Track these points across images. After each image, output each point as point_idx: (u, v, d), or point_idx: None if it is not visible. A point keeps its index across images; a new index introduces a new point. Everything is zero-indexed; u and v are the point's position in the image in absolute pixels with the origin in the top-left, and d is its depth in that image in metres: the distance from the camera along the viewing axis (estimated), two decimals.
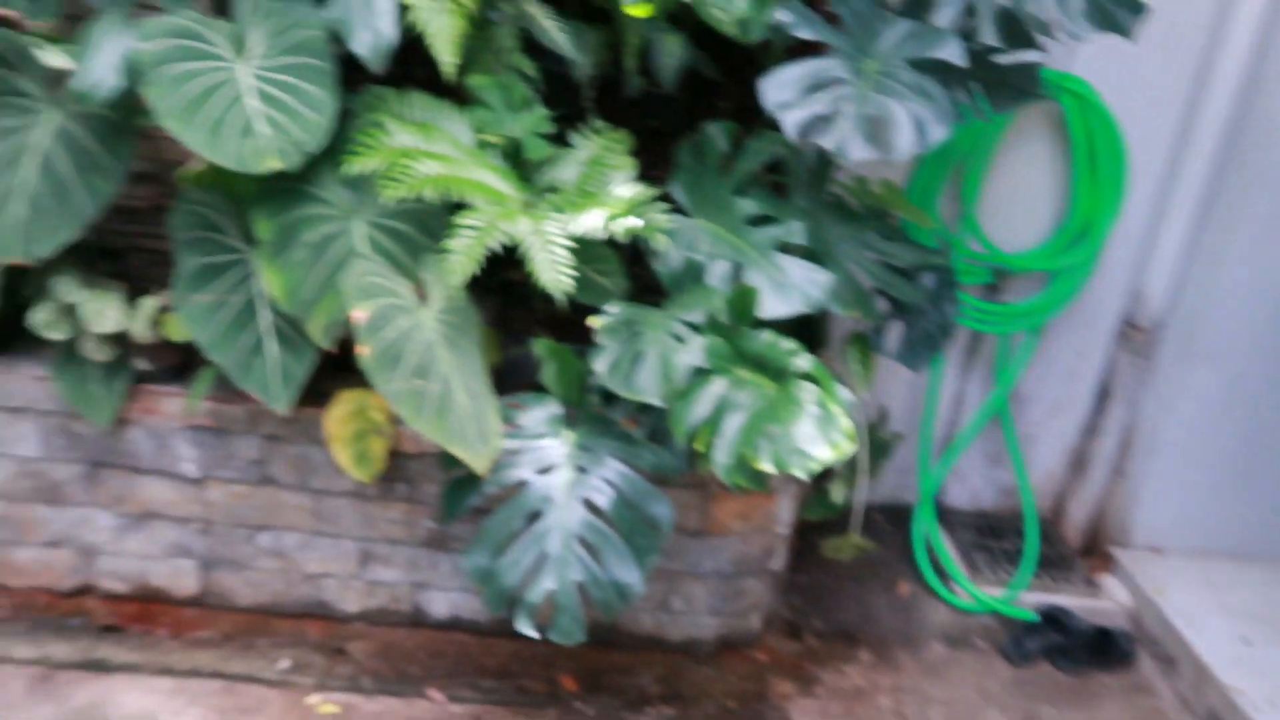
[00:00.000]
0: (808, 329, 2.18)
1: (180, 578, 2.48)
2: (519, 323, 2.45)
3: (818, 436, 1.77)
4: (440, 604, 2.53)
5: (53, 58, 1.87)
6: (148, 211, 2.50)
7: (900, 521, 3.10)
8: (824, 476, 2.46)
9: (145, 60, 1.79)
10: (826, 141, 1.80)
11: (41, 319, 2.13)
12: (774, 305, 1.96)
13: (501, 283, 2.39)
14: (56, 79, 2.03)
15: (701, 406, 1.90)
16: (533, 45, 2.14)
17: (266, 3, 1.92)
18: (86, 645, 2.39)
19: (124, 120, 2.00)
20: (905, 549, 3.01)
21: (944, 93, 1.88)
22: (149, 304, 2.14)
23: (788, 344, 1.90)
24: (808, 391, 1.83)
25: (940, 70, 1.92)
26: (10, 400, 2.28)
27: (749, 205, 2.06)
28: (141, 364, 2.25)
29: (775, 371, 1.90)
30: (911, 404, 3.00)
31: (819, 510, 2.47)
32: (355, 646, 2.50)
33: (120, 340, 2.19)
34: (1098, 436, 3.07)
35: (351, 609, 2.52)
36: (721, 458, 1.87)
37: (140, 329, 2.12)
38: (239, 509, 2.40)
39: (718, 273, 2.03)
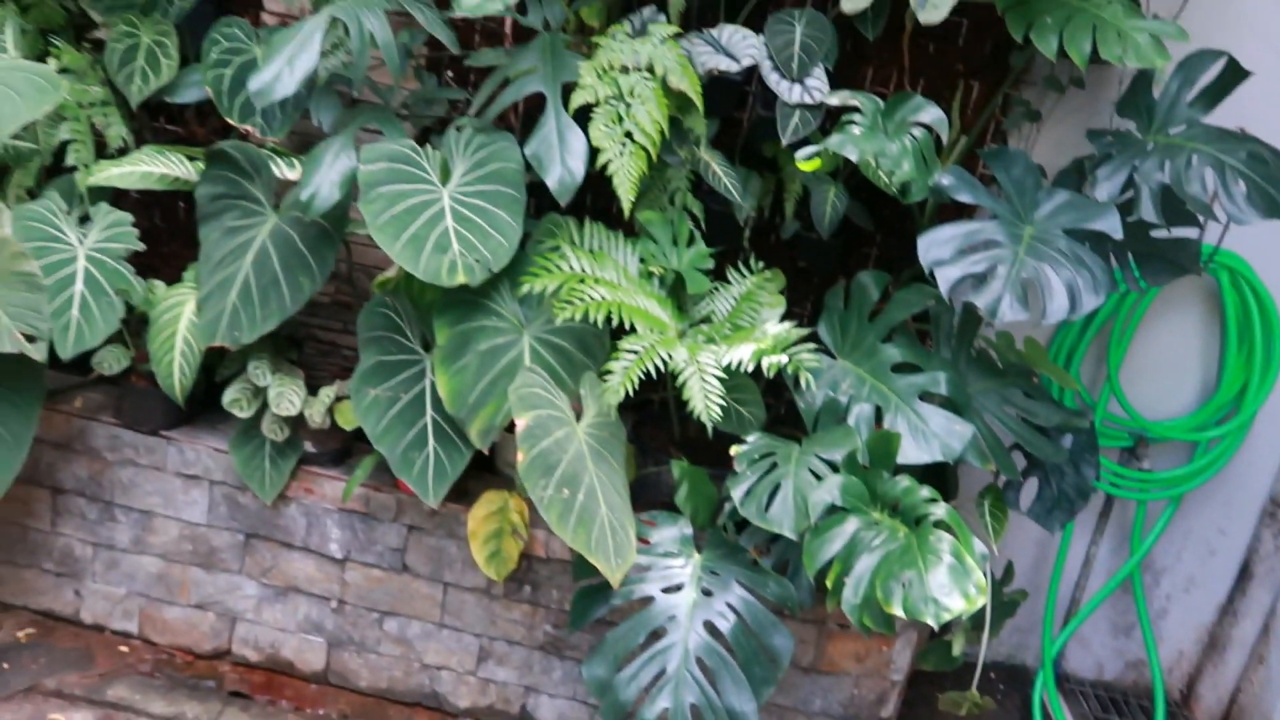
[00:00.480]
0: (941, 477, 2.21)
1: (309, 653, 2.60)
2: (655, 441, 2.55)
3: (951, 586, 1.78)
4: (548, 710, 2.57)
5: (285, 170, 2.13)
6: (329, 306, 2.75)
7: (1016, 682, 3.00)
8: (944, 627, 2.43)
9: (364, 179, 2.02)
10: (978, 301, 1.87)
11: (230, 397, 2.35)
12: (913, 452, 2.01)
13: (641, 402, 2.51)
14: (278, 185, 2.30)
15: (834, 544, 1.93)
16: (700, 185, 2.31)
17: (473, 135, 2.14)
18: (216, 708, 2.51)
19: (333, 228, 2.23)
20: (1021, 712, 2.90)
21: (1099, 262, 1.94)
22: (326, 392, 2.33)
23: (925, 491, 1.94)
24: (943, 540, 1.85)
25: (1096, 240, 1.98)
26: (189, 468, 2.49)
27: (894, 352, 2.13)
28: (309, 446, 2.44)
29: (911, 517, 1.93)
30: (1038, 563, 2.94)
31: (936, 661, 2.43)
32: None
33: (295, 422, 2.38)
34: (1236, 618, 2.93)
35: (462, 704, 2.58)
36: (850, 597, 1.89)
37: (316, 414, 2.31)
38: (373, 593, 2.52)
39: (859, 414, 2.10)
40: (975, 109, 2.47)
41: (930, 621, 1.73)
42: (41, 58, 2.36)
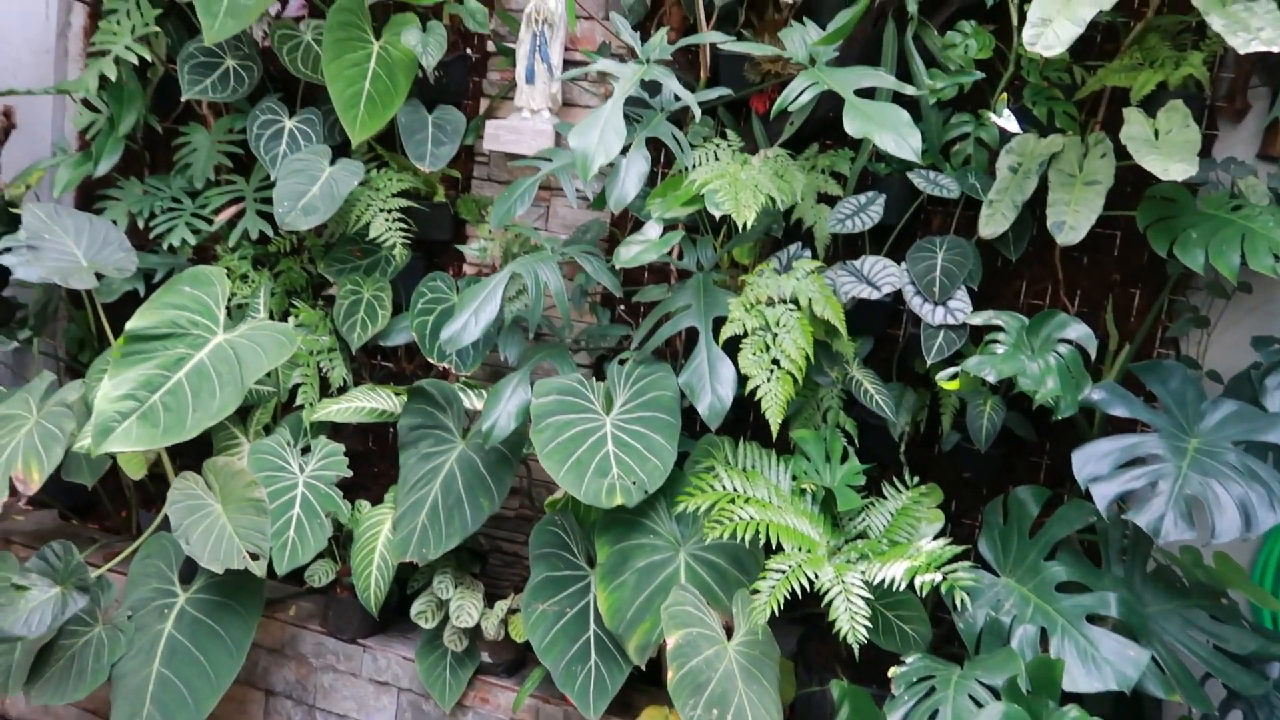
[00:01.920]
0: (1138, 711, 2.04)
1: None
2: (819, 657, 2.51)
3: None
4: None
5: (474, 401, 2.41)
6: (513, 520, 2.96)
7: None
8: None
9: (536, 411, 2.25)
10: (1139, 519, 1.81)
11: (417, 609, 2.56)
12: (1082, 679, 1.89)
13: (808, 615, 2.50)
14: (467, 416, 2.59)
15: None
16: (854, 401, 2.39)
17: (635, 367, 2.35)
18: None
19: (510, 453, 2.47)
20: None
21: (1276, 476, 1.83)
22: (501, 606, 2.50)
23: None
24: None
25: (1272, 453, 1.88)
26: (380, 674, 2.69)
27: (1059, 570, 2.05)
28: (485, 656, 2.58)
29: None
30: None
31: None
32: None
33: (473, 633, 2.55)
34: None
35: None
36: None
37: (491, 627, 2.47)
38: None
39: (1022, 636, 2.01)
40: (1138, 316, 2.44)
41: None
42: (285, 315, 2.83)
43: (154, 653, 2.53)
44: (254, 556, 2.40)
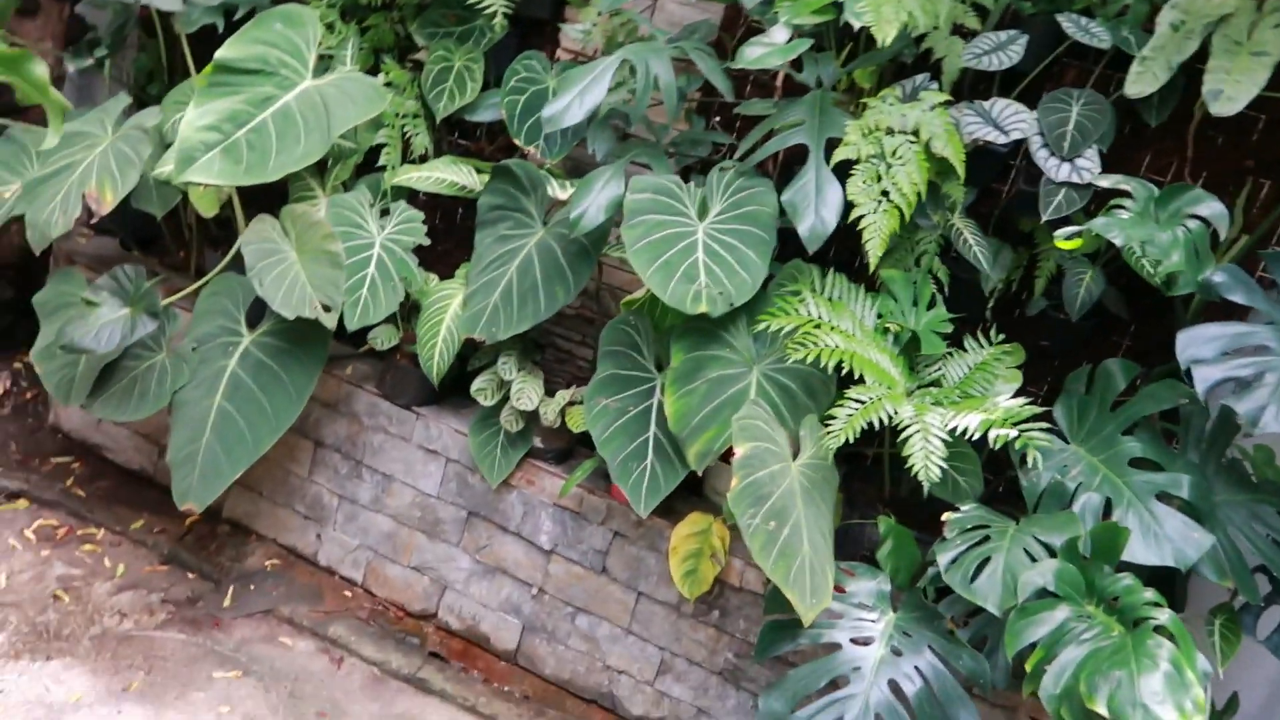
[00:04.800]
0: (1168, 585, 2.09)
1: (504, 631, 2.79)
2: (862, 496, 2.56)
3: (1165, 695, 1.69)
4: None
5: (560, 190, 2.34)
6: (572, 318, 2.95)
7: None
8: None
9: (630, 206, 2.19)
10: (1239, 407, 1.78)
11: (478, 386, 2.59)
12: (1141, 551, 1.92)
13: (853, 454, 2.53)
14: (549, 203, 2.53)
15: (1040, 628, 1.88)
16: (948, 250, 2.32)
17: (735, 178, 2.27)
18: (416, 663, 2.74)
19: (591, 247, 2.42)
20: None
21: None
22: (562, 395, 2.52)
23: (1149, 593, 1.85)
24: (1162, 646, 1.76)
25: None
26: (431, 443, 2.75)
27: (1135, 446, 2.05)
28: (537, 441, 2.63)
29: (1129, 617, 1.84)
30: (1270, 704, 2.68)
31: None
32: None
33: (529, 417, 2.58)
34: None
35: (636, 711, 2.68)
36: (1050, 685, 1.83)
37: (550, 413, 2.50)
38: (571, 588, 2.68)
39: (1086, 503, 2.03)
40: (1263, 209, 2.33)
41: None
42: (372, 72, 2.72)
43: (216, 386, 2.58)
44: (326, 308, 2.41)
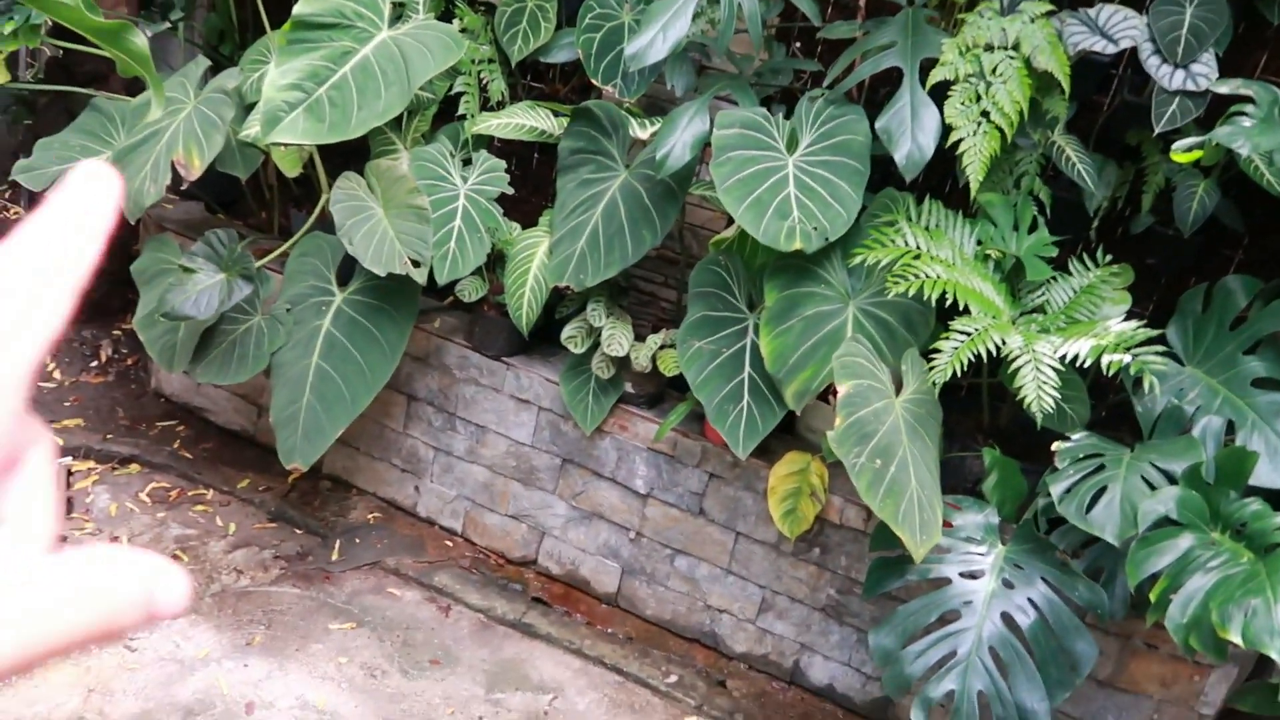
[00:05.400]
0: None
1: (604, 575, 2.83)
2: (960, 428, 2.51)
3: None
4: (820, 670, 2.63)
5: (641, 130, 2.30)
6: (654, 260, 2.92)
7: None
8: (1266, 666, 2.23)
9: (718, 143, 2.14)
10: None
11: (568, 334, 2.58)
12: (1270, 475, 1.85)
13: (949, 387, 2.48)
14: (630, 144, 2.48)
15: (1163, 557, 1.84)
16: (1048, 170, 2.23)
17: (824, 107, 2.20)
18: (520, 609, 2.80)
19: (678, 187, 2.38)
20: None
21: None
22: (653, 339, 2.50)
23: None
24: None
25: None
26: (522, 392, 2.77)
27: (1258, 366, 1.97)
28: (629, 387, 2.63)
29: (1260, 543, 1.79)
30: None
31: (1256, 703, 2.23)
32: (734, 684, 2.68)
33: (620, 363, 2.58)
34: None
35: (738, 648, 2.71)
36: (1176, 615, 1.79)
37: (642, 358, 2.49)
38: (668, 530, 2.70)
39: (1206, 426, 1.96)
40: None
41: (1275, 656, 1.61)
42: (445, 18, 2.68)
43: (312, 346, 2.62)
44: (415, 263, 2.41)
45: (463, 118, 2.63)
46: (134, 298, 2.84)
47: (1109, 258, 2.20)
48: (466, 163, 2.60)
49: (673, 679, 2.67)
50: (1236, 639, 1.66)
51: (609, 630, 2.80)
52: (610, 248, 2.42)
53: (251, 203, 3.26)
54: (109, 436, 3.09)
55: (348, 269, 2.63)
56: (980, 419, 2.49)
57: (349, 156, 2.75)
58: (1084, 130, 2.36)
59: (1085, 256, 2.23)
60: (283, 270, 2.73)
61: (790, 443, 2.51)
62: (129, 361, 3.46)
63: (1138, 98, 2.14)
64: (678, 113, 2.26)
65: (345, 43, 2.36)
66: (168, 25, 2.92)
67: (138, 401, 3.34)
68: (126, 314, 3.39)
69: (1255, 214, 2.26)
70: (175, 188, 3.21)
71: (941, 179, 2.41)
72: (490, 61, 2.68)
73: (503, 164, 2.58)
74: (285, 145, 2.62)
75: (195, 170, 2.57)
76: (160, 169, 2.58)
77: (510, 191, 2.57)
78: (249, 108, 2.56)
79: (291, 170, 2.72)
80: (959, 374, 1.99)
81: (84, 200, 0.29)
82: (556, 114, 2.59)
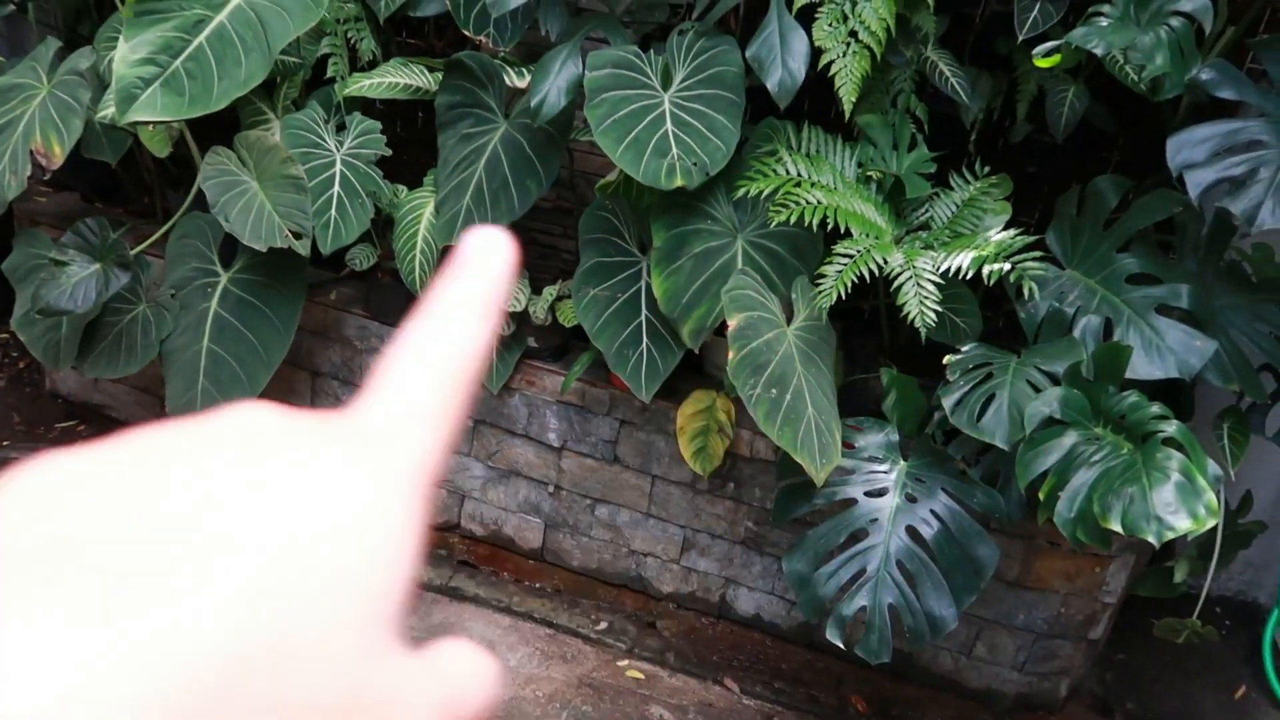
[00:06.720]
0: (1176, 396, 2.09)
1: (527, 532, 2.83)
2: (863, 350, 2.54)
3: (1178, 505, 1.70)
4: (746, 601, 2.68)
5: (518, 79, 2.25)
6: (550, 211, 2.89)
7: (1245, 619, 2.83)
8: (1165, 553, 2.32)
9: (590, 85, 2.10)
10: (1234, 206, 1.73)
11: None
12: (1144, 367, 1.91)
13: (849, 310, 2.50)
14: (508, 94, 2.43)
15: (1049, 457, 1.89)
16: (924, 86, 2.24)
17: (696, 40, 2.17)
18: (447, 574, 2.80)
19: (558, 134, 2.34)
20: (1248, 650, 2.74)
21: None
22: (549, 291, 2.48)
23: (1155, 407, 1.84)
24: (1172, 458, 1.77)
25: None
26: None
27: (1131, 262, 2.01)
28: (531, 341, 2.61)
29: (1137, 433, 1.85)
30: None
31: (1154, 587, 2.33)
32: (664, 624, 2.72)
33: (520, 318, 2.55)
34: None
35: (666, 589, 2.74)
36: (1064, 511, 1.85)
37: (539, 311, 2.47)
38: (586, 481, 2.70)
39: (1085, 326, 2.01)
40: None
41: (1152, 539, 1.67)
42: None
43: (202, 330, 2.54)
44: (296, 235, 2.35)
45: (333, 81, 2.55)
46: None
47: (987, 169, 2.23)
48: (341, 127, 2.52)
49: (603, 625, 2.70)
50: (1117, 527, 1.71)
51: (537, 585, 2.81)
52: (496, 202, 2.37)
53: (131, 188, 3.13)
54: (5, 443, 2.98)
55: (231, 248, 2.54)
56: (881, 341, 2.53)
57: (224, 130, 2.65)
58: (959, 43, 2.36)
59: (965, 170, 2.25)
60: (164, 255, 2.64)
61: (698, 381, 2.52)
62: (21, 364, 3.34)
63: (1006, 7, 2.14)
64: (549, 57, 2.21)
65: (198, 10, 2.26)
66: (13, 7, 2.77)
67: (34, 404, 3.22)
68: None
69: (1126, 114, 2.30)
70: (48, 179, 3.07)
71: (825, 105, 2.40)
72: (358, 20, 2.58)
73: (378, 125, 2.51)
74: (150, 125, 2.51)
75: (57, 158, 2.46)
76: (19, 160, 2.46)
77: (388, 153, 2.50)
78: (107, 87, 2.45)
79: (161, 151, 2.61)
80: (846, 296, 2.01)
81: (484, 280, 0.27)
82: (431, 70, 2.52)
